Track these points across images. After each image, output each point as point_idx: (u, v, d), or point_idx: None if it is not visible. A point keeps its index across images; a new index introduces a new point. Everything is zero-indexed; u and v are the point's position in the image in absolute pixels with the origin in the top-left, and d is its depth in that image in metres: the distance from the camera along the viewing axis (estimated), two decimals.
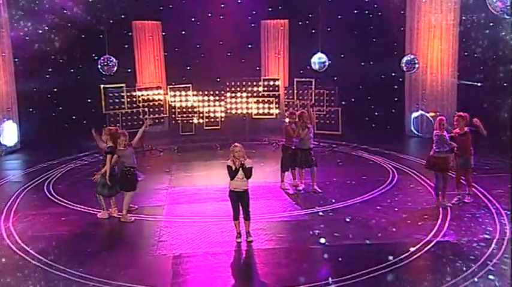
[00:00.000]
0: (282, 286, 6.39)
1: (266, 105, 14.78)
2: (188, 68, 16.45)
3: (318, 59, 13.33)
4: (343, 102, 14.64)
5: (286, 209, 9.21)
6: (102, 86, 13.61)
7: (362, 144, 14.19)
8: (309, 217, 8.71)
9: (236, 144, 7.65)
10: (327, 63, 13.35)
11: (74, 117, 15.07)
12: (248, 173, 7.53)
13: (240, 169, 7.50)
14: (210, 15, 16.66)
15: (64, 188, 10.87)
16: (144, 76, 16.58)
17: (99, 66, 12.65)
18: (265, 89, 14.94)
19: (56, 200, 10.05)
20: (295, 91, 14.65)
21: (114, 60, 12.77)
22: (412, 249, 7.24)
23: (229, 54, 16.58)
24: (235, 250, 7.52)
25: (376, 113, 15.71)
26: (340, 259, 7.05)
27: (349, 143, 14.41)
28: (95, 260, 7.09)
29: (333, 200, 9.49)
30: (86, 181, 11.20)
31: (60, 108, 15.52)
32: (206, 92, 14.71)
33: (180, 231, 8.22)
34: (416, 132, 15.49)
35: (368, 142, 14.14)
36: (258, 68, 16.55)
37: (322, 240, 7.65)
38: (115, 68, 12.82)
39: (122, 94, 13.89)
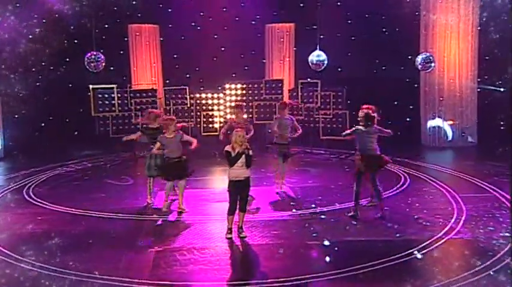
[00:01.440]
0: (273, 278, 6.24)
1: (268, 109, 14.77)
2: (188, 76, 16.46)
3: (316, 57, 13.21)
4: (354, 113, 14.46)
5: (284, 209, 9.16)
6: (91, 86, 13.64)
7: None
8: (308, 216, 8.68)
9: (239, 129, 7.60)
10: (325, 62, 13.25)
11: (62, 125, 15.07)
12: (249, 161, 7.47)
13: (243, 155, 7.41)
14: (211, 19, 16.74)
15: (45, 191, 10.85)
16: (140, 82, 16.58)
17: (86, 63, 12.68)
18: (268, 91, 14.89)
19: (34, 202, 10.03)
20: (300, 93, 14.54)
21: (102, 56, 12.79)
22: (420, 246, 7.12)
23: (231, 60, 16.58)
24: (224, 245, 7.46)
25: (389, 122, 15.46)
26: (339, 254, 6.97)
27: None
28: (67, 255, 7.03)
29: (336, 203, 9.44)
30: (71, 185, 11.43)
31: (50, 118, 15.50)
32: (204, 96, 14.69)
33: (167, 228, 8.21)
34: (434, 142, 15.26)
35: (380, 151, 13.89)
36: (263, 78, 16.50)
37: (318, 236, 7.60)
38: (103, 65, 12.85)
39: (113, 96, 13.94)
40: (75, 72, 14.59)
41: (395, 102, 15.65)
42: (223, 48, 16.64)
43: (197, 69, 16.54)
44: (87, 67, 12.88)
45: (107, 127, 13.95)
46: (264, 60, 17.31)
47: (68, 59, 15.41)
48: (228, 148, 7.53)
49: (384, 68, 15.93)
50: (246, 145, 7.43)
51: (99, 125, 13.92)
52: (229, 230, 7.69)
